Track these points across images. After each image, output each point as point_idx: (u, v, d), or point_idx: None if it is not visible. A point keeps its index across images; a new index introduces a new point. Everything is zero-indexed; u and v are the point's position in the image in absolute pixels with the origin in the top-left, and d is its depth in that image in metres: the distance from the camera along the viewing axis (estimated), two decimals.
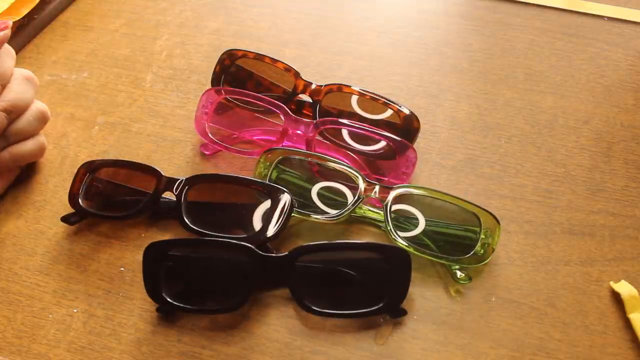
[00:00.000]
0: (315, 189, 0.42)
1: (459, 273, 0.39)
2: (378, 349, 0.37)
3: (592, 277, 0.40)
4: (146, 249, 0.37)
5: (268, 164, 0.43)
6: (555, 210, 0.43)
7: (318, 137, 0.45)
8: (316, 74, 0.53)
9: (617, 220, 0.43)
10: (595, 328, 0.38)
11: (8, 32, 0.42)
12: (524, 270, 0.40)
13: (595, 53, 0.56)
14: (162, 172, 0.41)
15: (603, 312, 0.38)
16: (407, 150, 0.43)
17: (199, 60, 0.55)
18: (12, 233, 0.42)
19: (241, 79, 0.50)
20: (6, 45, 0.43)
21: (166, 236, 0.42)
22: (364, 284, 0.38)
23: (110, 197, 0.44)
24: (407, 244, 0.39)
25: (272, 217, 0.39)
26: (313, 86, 0.47)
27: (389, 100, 0.46)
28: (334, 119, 0.45)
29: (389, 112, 0.46)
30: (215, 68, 0.49)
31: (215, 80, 0.50)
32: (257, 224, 0.40)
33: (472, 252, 0.39)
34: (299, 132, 0.44)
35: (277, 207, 0.39)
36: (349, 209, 0.40)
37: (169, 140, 0.48)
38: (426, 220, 0.41)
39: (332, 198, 0.42)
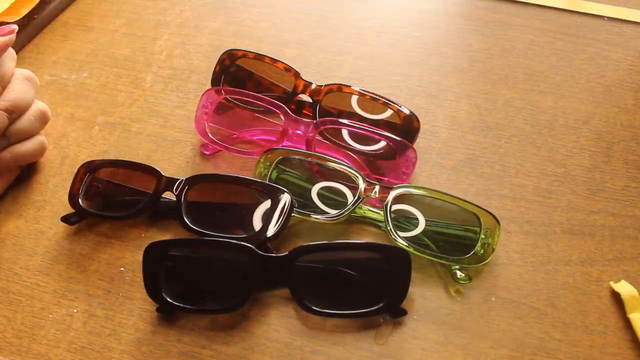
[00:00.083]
0: (315, 189, 0.42)
1: (459, 273, 0.39)
2: (378, 349, 0.37)
3: (592, 277, 0.40)
4: (146, 249, 0.37)
5: (268, 164, 0.43)
6: (555, 210, 0.43)
7: (318, 137, 0.45)
8: (316, 74, 0.53)
9: (617, 220, 0.43)
10: (595, 328, 0.37)
11: (13, 36, 0.42)
12: (524, 270, 0.40)
13: (595, 53, 0.56)
14: (162, 172, 0.41)
15: (603, 312, 0.38)
16: (407, 150, 0.43)
17: (199, 60, 0.55)
18: (12, 233, 0.42)
19: (241, 79, 0.50)
20: None
21: (166, 236, 0.42)
22: (364, 284, 0.38)
23: (110, 197, 0.44)
24: (407, 244, 0.39)
25: (272, 217, 0.39)
26: (313, 86, 0.47)
27: (389, 100, 0.46)
28: (334, 119, 0.45)
29: (389, 112, 0.46)
30: (215, 68, 0.49)
31: (215, 80, 0.50)
32: (257, 224, 0.40)
33: (472, 252, 0.39)
34: (299, 132, 0.44)
35: (277, 207, 0.39)
36: (349, 209, 0.40)
37: (169, 140, 0.48)
38: (426, 220, 0.41)
39: (332, 198, 0.42)
